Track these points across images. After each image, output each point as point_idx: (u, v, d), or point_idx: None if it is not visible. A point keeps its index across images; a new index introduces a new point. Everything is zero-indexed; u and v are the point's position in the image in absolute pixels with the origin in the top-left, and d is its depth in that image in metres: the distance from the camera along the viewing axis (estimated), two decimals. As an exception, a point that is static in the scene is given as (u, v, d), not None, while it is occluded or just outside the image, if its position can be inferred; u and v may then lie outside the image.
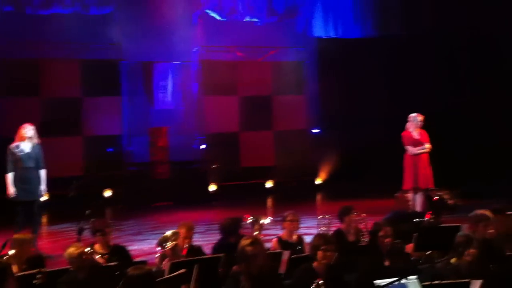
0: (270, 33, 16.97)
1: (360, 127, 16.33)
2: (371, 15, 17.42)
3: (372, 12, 17.42)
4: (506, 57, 15.89)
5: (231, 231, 7.24)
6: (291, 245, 7.23)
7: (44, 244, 10.31)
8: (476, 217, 6.62)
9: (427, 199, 11.19)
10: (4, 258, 6.07)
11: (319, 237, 6.12)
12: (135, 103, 16.40)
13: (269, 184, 16.50)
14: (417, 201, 11.06)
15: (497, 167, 15.04)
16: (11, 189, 9.43)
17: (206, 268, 6.02)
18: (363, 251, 6.86)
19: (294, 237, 7.44)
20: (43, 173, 9.66)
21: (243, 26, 16.92)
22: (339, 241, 6.91)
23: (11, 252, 6.23)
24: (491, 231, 6.48)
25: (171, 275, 5.62)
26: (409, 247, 7.01)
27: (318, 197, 16.17)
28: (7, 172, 9.48)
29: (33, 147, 9.57)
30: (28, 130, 9.57)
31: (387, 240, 6.40)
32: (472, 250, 5.82)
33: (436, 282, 5.15)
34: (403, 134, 11.19)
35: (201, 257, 6.51)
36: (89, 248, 6.37)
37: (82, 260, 5.86)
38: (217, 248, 7.18)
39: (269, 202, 15.52)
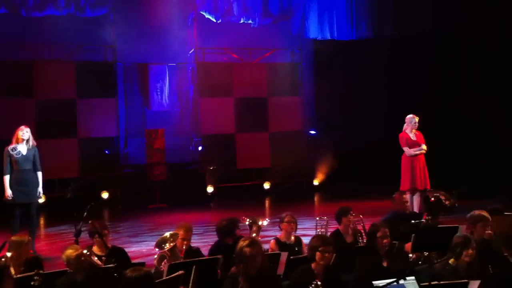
0: (265, 34, 16.93)
1: (356, 128, 16.36)
2: (366, 17, 17.43)
3: (366, 13, 17.43)
4: (506, 57, 15.89)
5: (227, 232, 7.23)
6: (289, 246, 7.22)
7: (42, 246, 10.31)
8: (474, 218, 6.64)
9: (425, 200, 11.20)
10: (2, 260, 6.05)
11: (317, 238, 6.14)
12: (130, 105, 16.40)
13: (266, 185, 16.52)
14: (414, 202, 11.08)
15: (497, 167, 15.05)
16: (8, 192, 9.42)
17: (205, 269, 6.02)
18: (361, 252, 6.85)
19: (292, 238, 7.43)
20: (39, 175, 9.65)
21: (238, 27, 16.88)
22: (337, 242, 6.93)
23: (9, 254, 6.20)
24: (489, 231, 6.50)
25: (170, 276, 5.62)
26: (407, 248, 7.02)
27: (316, 198, 16.18)
28: (4, 175, 9.47)
29: (30, 149, 9.57)
30: (25, 132, 9.57)
31: (385, 241, 6.40)
32: (470, 251, 5.84)
33: (434, 282, 5.15)
34: (400, 135, 11.21)
35: (199, 258, 6.50)
36: (86, 250, 6.36)
37: (80, 262, 5.84)
38: (214, 249, 7.17)
39: (266, 203, 15.51)
